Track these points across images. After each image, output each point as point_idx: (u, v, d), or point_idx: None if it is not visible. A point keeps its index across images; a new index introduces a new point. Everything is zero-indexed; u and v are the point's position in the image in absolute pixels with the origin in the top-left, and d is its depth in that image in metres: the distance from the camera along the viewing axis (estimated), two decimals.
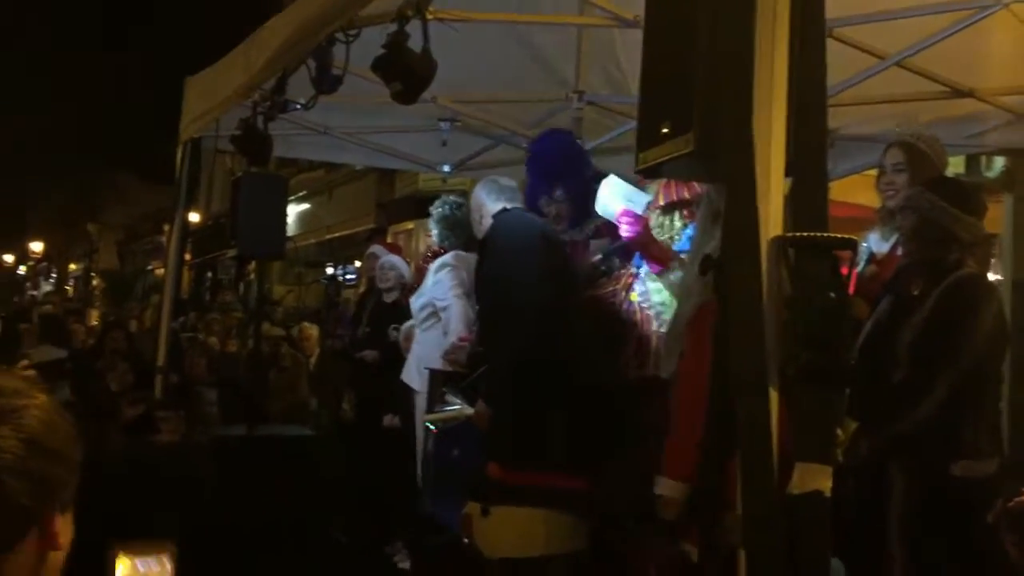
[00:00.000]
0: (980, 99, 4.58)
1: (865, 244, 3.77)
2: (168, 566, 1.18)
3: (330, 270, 18.38)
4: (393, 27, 3.47)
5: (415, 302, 5.17)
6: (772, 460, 1.77)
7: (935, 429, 3.12)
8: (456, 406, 3.91)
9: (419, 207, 13.81)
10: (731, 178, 1.93)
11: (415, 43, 3.46)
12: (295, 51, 4.03)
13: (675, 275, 3.53)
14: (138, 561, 1.16)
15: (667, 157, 2.26)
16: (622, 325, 3.75)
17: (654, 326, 3.67)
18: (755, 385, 1.77)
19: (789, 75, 1.98)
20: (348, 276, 16.57)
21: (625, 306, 3.80)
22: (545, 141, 4.37)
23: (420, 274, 5.53)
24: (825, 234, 1.83)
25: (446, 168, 6.51)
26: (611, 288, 3.98)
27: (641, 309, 3.73)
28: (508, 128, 5.73)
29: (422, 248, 10.71)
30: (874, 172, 4.08)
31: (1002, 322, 3.31)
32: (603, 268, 4.14)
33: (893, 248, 3.75)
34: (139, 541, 1.18)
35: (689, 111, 2.17)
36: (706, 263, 2.35)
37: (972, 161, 8.91)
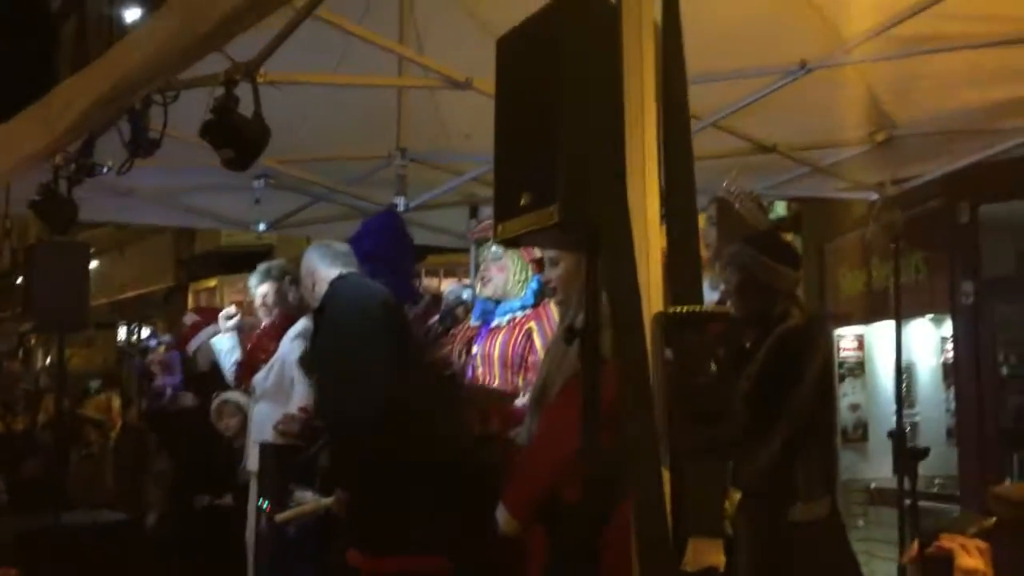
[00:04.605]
0: (782, 154, 4.92)
1: None
2: None
3: (123, 330, 17.32)
4: (218, 90, 3.28)
5: (262, 378, 4.77)
6: (669, 540, 1.75)
7: (772, 478, 3.23)
8: (307, 498, 3.65)
9: (223, 263, 13.25)
10: (609, 252, 1.91)
11: (243, 107, 3.29)
12: (105, 112, 3.73)
13: None
14: None
15: (528, 229, 2.23)
16: (460, 387, 3.69)
17: (495, 381, 3.64)
18: (648, 463, 1.74)
19: (658, 142, 1.99)
20: (143, 338, 15.63)
21: (465, 361, 3.76)
22: (373, 226, 4.28)
23: (256, 352, 5.06)
24: (703, 308, 1.84)
25: (261, 227, 6.27)
26: (449, 347, 3.95)
27: (481, 363, 3.70)
28: (328, 186, 5.58)
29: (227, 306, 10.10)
30: None
31: (828, 370, 3.48)
32: (440, 328, 4.11)
33: (720, 299, 3.90)
34: None
35: (550, 183, 2.13)
36: (571, 332, 2.32)
37: None
